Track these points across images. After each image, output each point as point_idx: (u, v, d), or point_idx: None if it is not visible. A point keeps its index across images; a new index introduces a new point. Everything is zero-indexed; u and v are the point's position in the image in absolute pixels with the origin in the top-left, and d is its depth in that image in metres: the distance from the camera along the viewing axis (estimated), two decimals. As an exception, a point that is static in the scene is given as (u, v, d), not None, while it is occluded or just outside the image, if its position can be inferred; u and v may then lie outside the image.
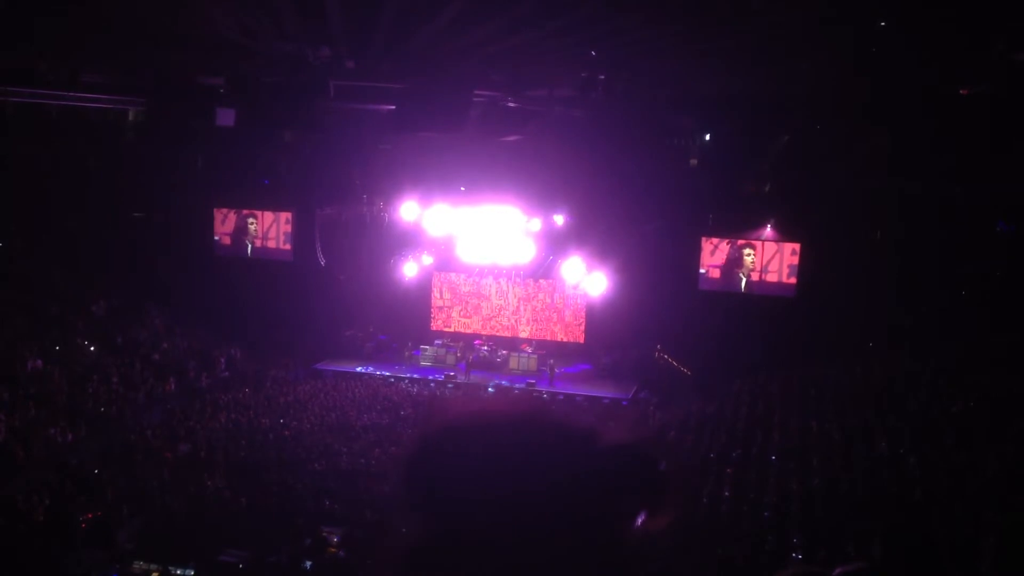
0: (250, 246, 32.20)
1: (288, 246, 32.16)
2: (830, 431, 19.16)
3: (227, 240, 32.38)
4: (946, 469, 15.62)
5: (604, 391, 28.00)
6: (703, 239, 29.13)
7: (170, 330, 28.41)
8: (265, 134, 27.60)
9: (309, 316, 30.09)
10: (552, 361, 29.38)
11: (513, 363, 30.28)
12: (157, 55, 19.34)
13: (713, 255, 29.04)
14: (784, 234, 28.42)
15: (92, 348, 25.50)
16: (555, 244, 29.71)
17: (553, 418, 1.26)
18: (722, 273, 28.95)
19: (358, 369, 29.90)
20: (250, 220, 32.17)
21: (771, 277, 28.55)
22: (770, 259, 28.59)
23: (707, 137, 28.94)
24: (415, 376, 29.30)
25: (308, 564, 15.02)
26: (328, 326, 30.93)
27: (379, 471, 19.96)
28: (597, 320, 30.56)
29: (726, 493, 17.03)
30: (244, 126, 21.32)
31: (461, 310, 32.57)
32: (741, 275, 28.75)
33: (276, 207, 31.97)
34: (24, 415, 20.60)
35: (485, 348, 31.17)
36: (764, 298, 28.52)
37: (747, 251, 28.72)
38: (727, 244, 28.95)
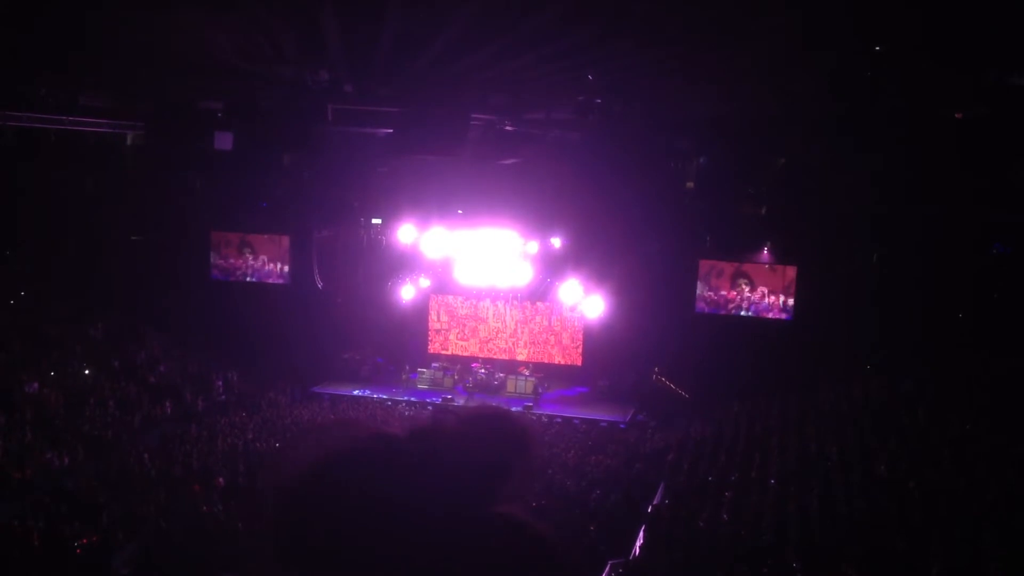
0: (249, 269, 32.23)
1: (286, 269, 32.18)
2: (829, 454, 19.09)
3: (225, 263, 32.41)
4: (945, 492, 15.57)
5: (602, 414, 27.90)
6: (701, 261, 29.16)
7: (167, 353, 28.34)
8: (263, 158, 27.69)
9: (306, 339, 30.01)
10: (541, 386, 29.29)
11: (511, 386, 30.17)
12: (156, 80, 19.46)
13: (715, 278, 29.05)
14: (781, 257, 28.44)
15: (89, 371, 25.41)
16: (552, 267, 29.68)
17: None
18: (722, 296, 28.96)
19: (355, 392, 29.80)
20: (248, 243, 32.19)
21: (774, 300, 28.56)
22: (773, 282, 28.59)
23: (703, 160, 29.05)
24: (412, 399, 29.16)
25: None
26: (325, 349, 30.85)
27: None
28: (595, 343, 30.51)
29: (724, 517, 16.94)
30: (242, 150, 21.44)
31: (459, 333, 32.52)
32: (741, 298, 28.76)
33: (274, 230, 32.00)
34: (20, 438, 20.51)
35: (483, 371, 31.08)
36: (762, 320, 28.51)
37: (745, 274, 28.74)
38: (726, 266, 28.98)
